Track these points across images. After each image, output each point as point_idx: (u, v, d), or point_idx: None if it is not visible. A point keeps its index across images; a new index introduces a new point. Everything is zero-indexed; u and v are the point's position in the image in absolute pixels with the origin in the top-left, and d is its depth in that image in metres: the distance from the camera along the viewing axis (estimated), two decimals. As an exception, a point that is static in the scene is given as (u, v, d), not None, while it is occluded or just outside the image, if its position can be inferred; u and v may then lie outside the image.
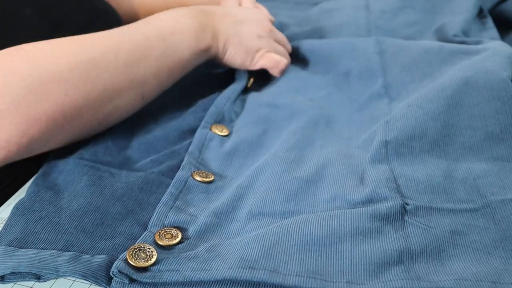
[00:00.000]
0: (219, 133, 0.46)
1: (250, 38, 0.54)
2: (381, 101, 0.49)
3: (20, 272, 0.32)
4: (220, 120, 0.49)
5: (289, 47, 0.60)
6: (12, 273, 0.32)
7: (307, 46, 0.60)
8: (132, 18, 0.66)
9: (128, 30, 0.46)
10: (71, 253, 0.32)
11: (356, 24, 0.66)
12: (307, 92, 0.53)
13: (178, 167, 0.42)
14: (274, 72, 0.56)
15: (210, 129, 0.47)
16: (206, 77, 0.58)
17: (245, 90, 0.56)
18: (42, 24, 0.46)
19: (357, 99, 0.52)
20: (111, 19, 0.56)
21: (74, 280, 0.33)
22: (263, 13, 0.59)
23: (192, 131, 0.47)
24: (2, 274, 0.31)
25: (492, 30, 0.60)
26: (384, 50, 0.54)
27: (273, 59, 0.55)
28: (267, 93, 0.53)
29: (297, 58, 0.60)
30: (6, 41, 0.40)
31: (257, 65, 0.55)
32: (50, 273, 0.31)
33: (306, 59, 0.59)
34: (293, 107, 0.49)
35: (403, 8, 0.67)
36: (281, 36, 0.60)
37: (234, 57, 0.54)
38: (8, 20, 0.45)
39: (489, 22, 0.62)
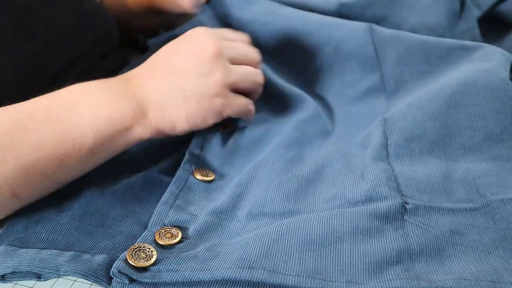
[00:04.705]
0: (222, 129, 0.46)
1: (196, 85, 0.40)
2: (379, 96, 0.49)
3: (21, 272, 0.32)
4: None
5: (254, 56, 0.45)
6: (13, 272, 0.32)
7: (285, 20, 0.54)
8: (124, 12, 0.65)
9: (4, 111, 0.35)
10: (71, 252, 0.32)
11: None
12: (294, 71, 0.52)
13: (178, 163, 0.41)
14: (247, 117, 0.45)
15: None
16: None
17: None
18: (17, 32, 0.43)
19: (351, 86, 0.51)
20: (100, 21, 0.55)
21: (75, 280, 0.33)
22: (203, 32, 0.43)
23: None
24: (3, 274, 0.32)
25: (475, 31, 0.58)
26: (375, 31, 0.52)
27: (238, 106, 0.43)
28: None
29: (277, 33, 0.54)
30: None
31: (222, 116, 0.42)
32: (50, 273, 0.31)
33: (286, 34, 0.54)
34: (292, 98, 0.49)
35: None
36: (240, 47, 0.44)
37: (188, 121, 0.40)
38: None
39: (472, 21, 0.59)
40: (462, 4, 0.60)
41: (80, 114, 0.36)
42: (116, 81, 0.40)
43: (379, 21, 0.59)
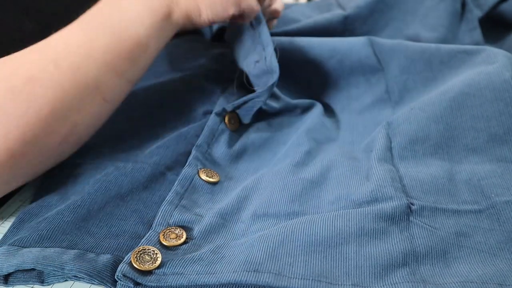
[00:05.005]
0: (230, 127, 0.46)
1: None
2: (385, 107, 0.49)
3: (24, 271, 0.32)
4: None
5: None
6: (16, 274, 0.32)
7: (286, 39, 0.55)
8: None
9: (68, 30, 0.39)
10: (75, 251, 0.32)
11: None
12: (299, 86, 0.52)
13: (183, 155, 0.41)
14: (251, 16, 0.50)
15: (224, 119, 0.46)
16: (209, 71, 0.57)
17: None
18: (40, 40, 0.45)
19: (357, 99, 0.51)
20: None
21: (74, 281, 0.32)
22: None
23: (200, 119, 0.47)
24: (6, 273, 0.31)
25: (476, 32, 0.59)
26: (375, 43, 0.52)
27: (249, 3, 0.48)
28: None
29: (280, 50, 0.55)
30: (5, 56, 0.39)
31: (239, 8, 0.48)
32: (55, 271, 0.31)
33: (288, 50, 0.55)
34: (298, 106, 0.49)
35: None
36: None
37: (212, 9, 0.46)
38: (8, 34, 0.44)
39: (474, 21, 0.60)
40: (463, 4, 0.60)
41: (125, 13, 0.41)
42: None
43: (382, 27, 0.60)
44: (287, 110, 0.49)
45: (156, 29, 0.42)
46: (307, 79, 0.54)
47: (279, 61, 0.50)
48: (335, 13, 0.62)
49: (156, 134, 0.44)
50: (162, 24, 0.43)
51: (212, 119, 0.45)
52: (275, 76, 0.47)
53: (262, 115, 0.49)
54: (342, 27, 0.61)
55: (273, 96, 0.50)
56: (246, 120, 0.48)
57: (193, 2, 0.45)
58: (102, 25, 0.40)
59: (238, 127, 0.47)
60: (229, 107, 0.46)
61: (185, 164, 0.40)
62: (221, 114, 0.46)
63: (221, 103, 0.48)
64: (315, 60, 0.54)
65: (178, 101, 0.50)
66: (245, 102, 0.47)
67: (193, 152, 0.41)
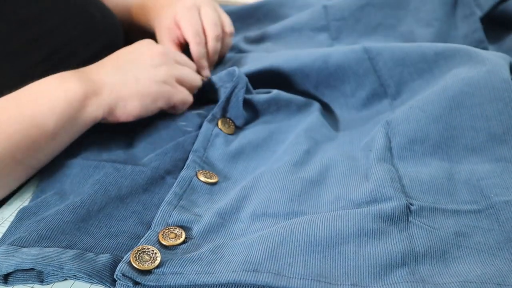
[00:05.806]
0: (225, 130, 0.46)
1: (148, 72, 0.45)
2: (382, 101, 0.49)
3: (24, 271, 0.32)
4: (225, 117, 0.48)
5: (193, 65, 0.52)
6: (15, 274, 0.32)
7: (279, 59, 0.53)
8: (126, 16, 0.65)
9: None
10: (74, 250, 0.32)
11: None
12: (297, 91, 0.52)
13: (182, 161, 0.41)
14: (184, 108, 0.49)
15: (217, 124, 0.46)
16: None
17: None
18: (19, 42, 0.44)
19: (352, 95, 0.51)
20: (109, 27, 0.55)
21: (74, 281, 0.32)
22: (151, 41, 0.50)
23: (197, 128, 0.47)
24: (5, 273, 0.31)
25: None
26: (370, 50, 0.51)
27: (182, 95, 0.47)
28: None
29: (268, 77, 0.54)
30: None
31: (170, 103, 0.47)
32: (54, 270, 0.31)
33: (278, 76, 0.54)
34: (296, 105, 0.49)
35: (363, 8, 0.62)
36: (181, 57, 0.51)
37: (140, 101, 0.44)
38: None
39: (476, 23, 0.59)
40: None
41: (39, 101, 0.39)
42: (72, 71, 0.43)
43: (376, 27, 0.59)
44: (282, 106, 0.49)
45: (67, 120, 0.40)
46: (301, 85, 0.54)
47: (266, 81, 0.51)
48: (315, 9, 0.61)
49: (154, 147, 0.44)
50: (74, 115, 0.40)
51: (205, 126, 0.45)
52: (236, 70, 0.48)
53: (257, 115, 0.49)
54: (324, 23, 0.60)
55: (265, 93, 0.50)
56: (239, 121, 0.48)
57: (119, 96, 0.43)
58: (14, 110, 0.38)
59: (235, 130, 0.47)
60: (217, 112, 0.47)
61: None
62: (213, 120, 0.46)
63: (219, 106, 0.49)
64: (308, 79, 0.53)
65: (176, 117, 0.50)
66: (228, 100, 0.47)
67: (191, 156, 0.41)
